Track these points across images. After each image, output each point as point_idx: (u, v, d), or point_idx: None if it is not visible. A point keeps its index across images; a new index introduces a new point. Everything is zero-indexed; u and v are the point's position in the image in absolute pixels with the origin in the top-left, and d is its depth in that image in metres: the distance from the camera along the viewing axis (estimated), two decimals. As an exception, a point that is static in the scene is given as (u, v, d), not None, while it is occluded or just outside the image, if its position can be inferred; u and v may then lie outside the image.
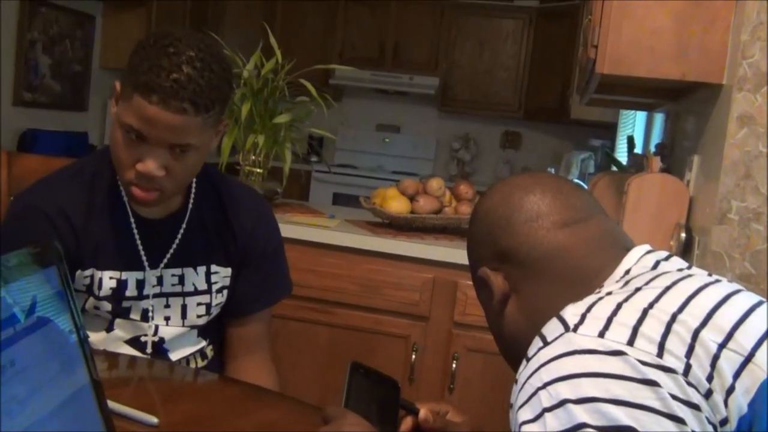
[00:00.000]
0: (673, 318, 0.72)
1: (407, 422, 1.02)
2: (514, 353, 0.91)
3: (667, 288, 0.77)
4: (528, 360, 0.76)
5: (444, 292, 2.24)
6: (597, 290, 0.82)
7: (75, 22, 4.34)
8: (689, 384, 0.69)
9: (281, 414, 1.23)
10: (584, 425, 0.67)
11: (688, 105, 2.34)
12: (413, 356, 2.27)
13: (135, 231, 1.38)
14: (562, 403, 0.68)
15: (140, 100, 1.20)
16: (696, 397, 0.68)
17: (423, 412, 1.02)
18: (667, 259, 0.86)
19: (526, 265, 0.90)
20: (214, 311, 1.48)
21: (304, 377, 2.31)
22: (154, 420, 1.06)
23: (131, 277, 1.39)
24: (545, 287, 0.89)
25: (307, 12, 5.76)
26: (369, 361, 2.33)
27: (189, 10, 4.76)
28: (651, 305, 0.74)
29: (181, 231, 1.42)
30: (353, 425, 0.92)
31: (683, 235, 1.81)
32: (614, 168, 3.66)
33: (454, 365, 2.23)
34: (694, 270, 0.85)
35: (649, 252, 0.88)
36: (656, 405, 0.67)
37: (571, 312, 0.76)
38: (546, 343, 0.75)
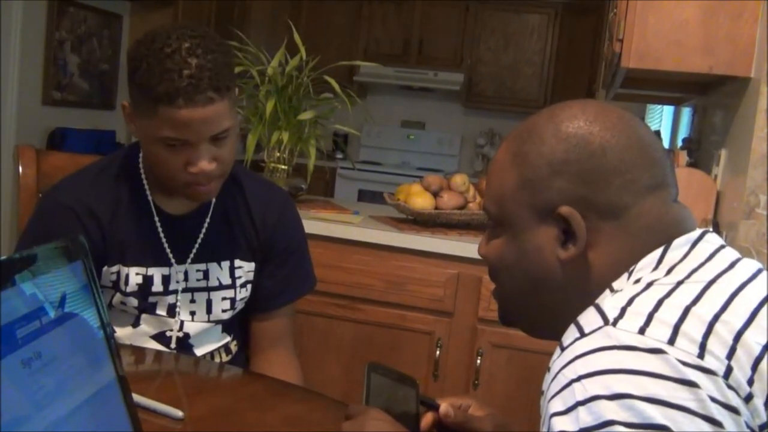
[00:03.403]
0: (716, 318, 0.70)
1: (428, 418, 1.02)
2: (544, 313, 0.86)
3: (710, 283, 0.75)
4: (563, 349, 0.75)
5: (468, 287, 2.23)
6: (638, 277, 0.79)
7: (103, 22, 4.38)
8: (729, 387, 0.67)
9: (305, 408, 1.24)
10: (612, 422, 0.65)
11: (715, 99, 2.31)
12: (438, 352, 2.27)
13: (159, 227, 1.40)
14: (595, 398, 0.67)
15: (167, 109, 1.21)
16: (735, 401, 0.67)
17: (444, 407, 1.02)
18: (702, 236, 0.83)
19: (623, 228, 0.81)
20: (239, 306, 1.49)
21: (329, 373, 2.32)
22: (180, 414, 1.07)
23: (157, 272, 1.40)
24: (627, 254, 0.81)
25: (331, 9, 5.77)
26: (394, 357, 2.34)
27: (215, 9, 4.80)
28: (693, 302, 0.72)
29: (205, 226, 1.43)
30: (376, 419, 0.93)
31: (710, 230, 1.79)
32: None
33: (478, 361, 2.23)
34: (730, 252, 0.82)
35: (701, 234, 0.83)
36: (693, 406, 0.65)
37: (611, 304, 0.74)
38: (583, 334, 0.73)
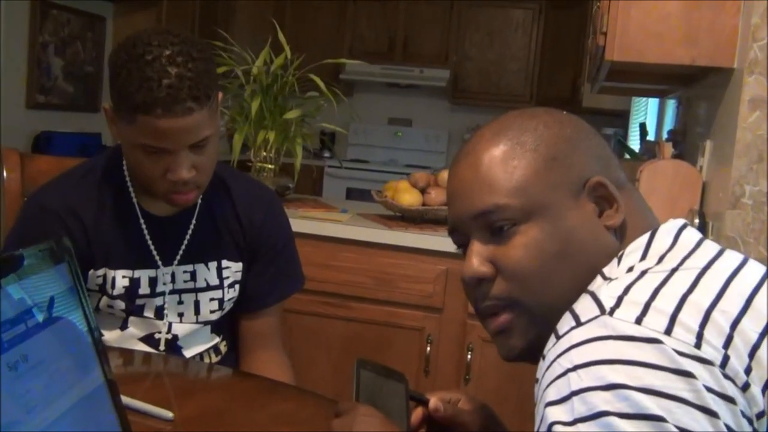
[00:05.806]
0: (713, 306, 0.70)
1: (417, 413, 1.02)
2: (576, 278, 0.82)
3: (704, 269, 0.75)
4: (558, 337, 0.74)
5: (457, 283, 2.21)
6: (629, 265, 0.79)
7: (86, 24, 4.36)
8: (726, 376, 0.67)
9: (296, 407, 1.24)
10: (606, 413, 0.65)
11: (699, 90, 2.32)
12: (428, 348, 2.27)
13: (145, 229, 1.39)
14: (590, 388, 0.67)
15: (145, 118, 1.19)
16: (732, 390, 0.67)
17: (433, 401, 1.02)
18: (685, 226, 0.84)
19: (627, 200, 0.85)
20: (227, 306, 1.49)
21: (320, 371, 2.32)
22: (170, 415, 1.06)
23: (144, 275, 1.40)
24: (638, 224, 0.85)
25: (316, 8, 5.76)
26: (384, 354, 2.34)
27: (199, 9, 4.78)
28: (689, 291, 0.72)
29: (191, 227, 1.42)
30: (366, 415, 0.92)
31: (696, 220, 1.80)
32: (627, 156, 3.64)
33: (469, 356, 2.23)
34: (713, 243, 0.83)
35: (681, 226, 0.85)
36: (689, 397, 0.65)
37: (607, 293, 0.74)
38: (579, 323, 0.73)
